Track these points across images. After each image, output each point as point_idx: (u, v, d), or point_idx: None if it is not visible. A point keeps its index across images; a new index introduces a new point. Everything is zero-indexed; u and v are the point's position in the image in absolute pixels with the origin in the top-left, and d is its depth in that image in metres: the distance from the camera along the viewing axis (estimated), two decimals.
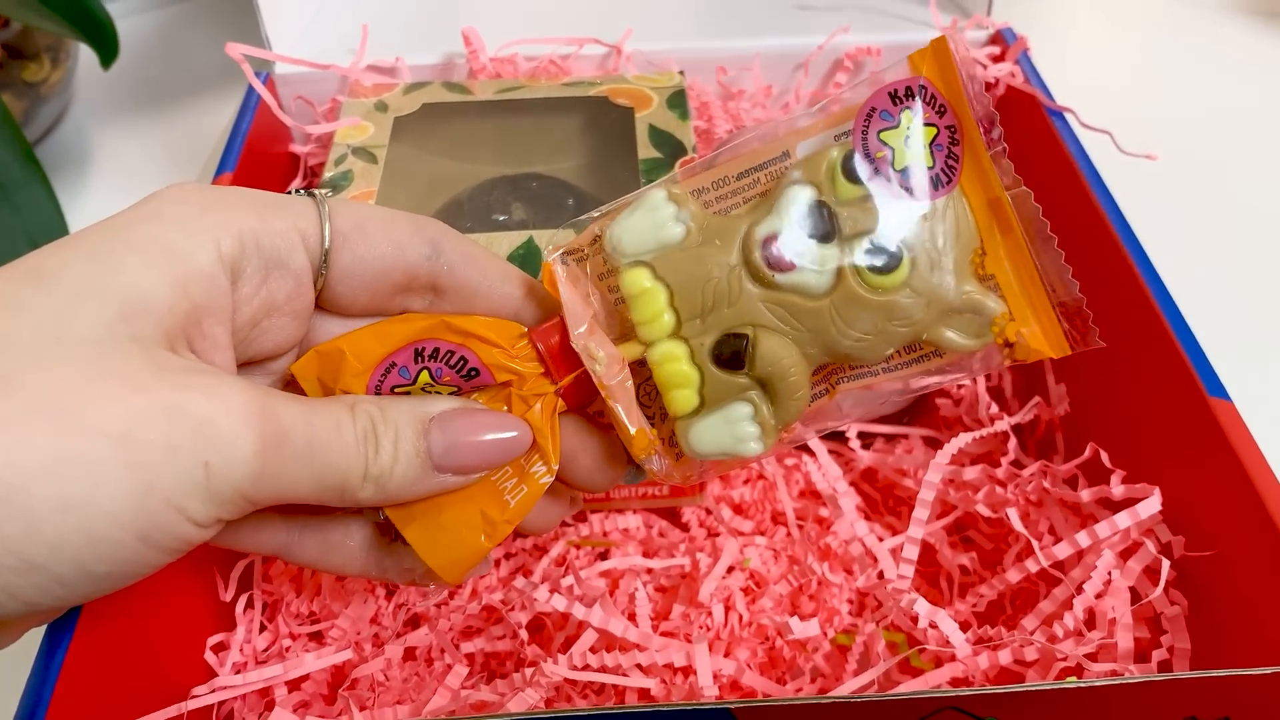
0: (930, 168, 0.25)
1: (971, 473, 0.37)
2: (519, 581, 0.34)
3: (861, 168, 0.25)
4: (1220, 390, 0.31)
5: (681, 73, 0.44)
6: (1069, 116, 0.43)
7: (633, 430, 0.26)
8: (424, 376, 0.26)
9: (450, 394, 0.26)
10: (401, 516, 0.26)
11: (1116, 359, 0.36)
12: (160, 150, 0.61)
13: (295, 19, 0.51)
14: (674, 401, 0.26)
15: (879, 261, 0.25)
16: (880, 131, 0.25)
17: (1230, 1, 0.70)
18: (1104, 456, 0.34)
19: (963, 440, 0.35)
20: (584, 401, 0.27)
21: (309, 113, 0.47)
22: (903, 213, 0.25)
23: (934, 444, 0.42)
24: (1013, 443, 0.38)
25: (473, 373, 0.26)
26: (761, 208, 0.26)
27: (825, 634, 0.36)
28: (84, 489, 0.19)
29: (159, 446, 0.20)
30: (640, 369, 0.26)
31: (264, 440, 0.21)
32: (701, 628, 0.35)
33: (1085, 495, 0.34)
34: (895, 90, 0.25)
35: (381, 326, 0.26)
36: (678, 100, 0.42)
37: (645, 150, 0.39)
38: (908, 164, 0.25)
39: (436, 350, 0.25)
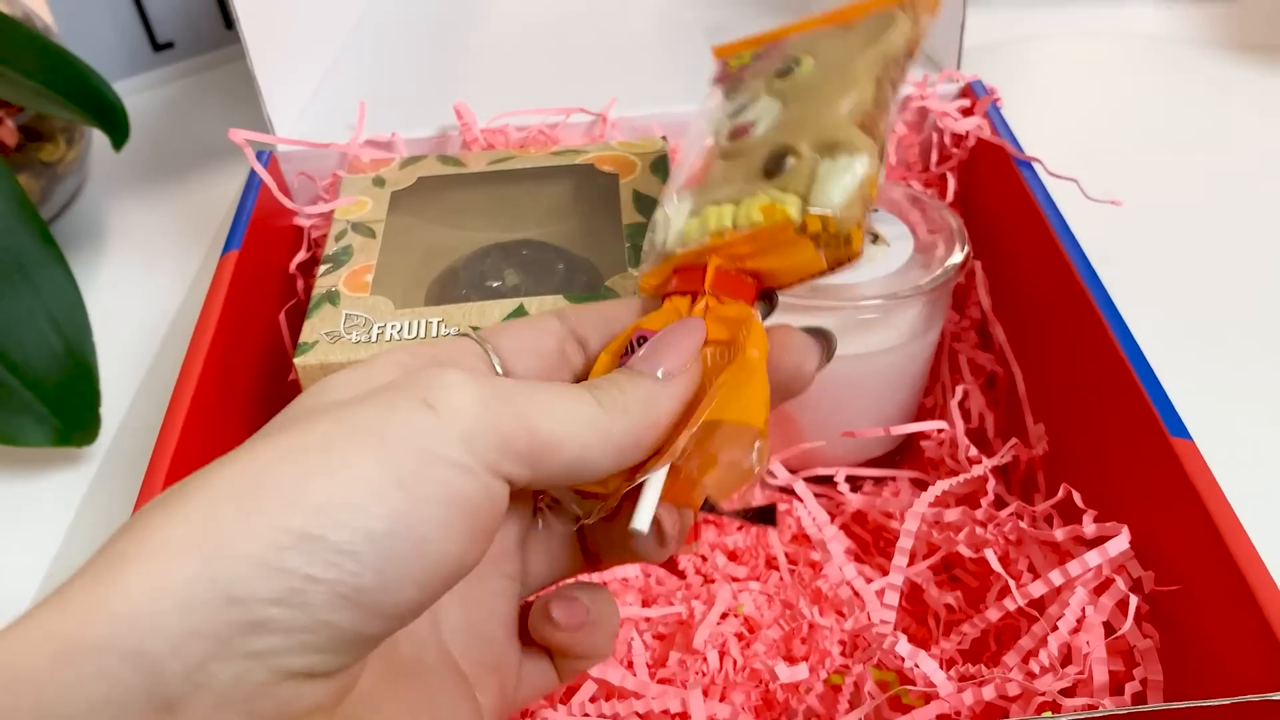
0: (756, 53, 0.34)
1: (953, 514, 0.38)
2: None
3: (730, 88, 0.34)
4: (1182, 430, 0.33)
5: (664, 138, 0.46)
6: (1036, 166, 0.44)
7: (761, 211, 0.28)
8: None
9: None
10: (683, 489, 0.26)
11: (1088, 401, 0.38)
12: (172, 223, 0.63)
13: (295, 98, 0.53)
14: (776, 212, 0.28)
15: (788, 70, 0.32)
16: (719, 72, 0.35)
17: (1203, 37, 0.71)
18: (1076, 496, 0.36)
19: (940, 487, 0.37)
20: (738, 284, 0.29)
21: (311, 187, 0.50)
22: (764, 65, 0.33)
23: (920, 485, 0.44)
24: (992, 484, 0.39)
25: (640, 340, 0.27)
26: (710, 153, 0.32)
27: (818, 675, 0.37)
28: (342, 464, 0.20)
29: (381, 406, 0.21)
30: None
31: (481, 385, 0.22)
32: (697, 674, 0.37)
33: (1060, 534, 0.35)
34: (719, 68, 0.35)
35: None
36: (660, 165, 0.44)
37: (629, 215, 0.41)
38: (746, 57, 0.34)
39: (629, 350, 0.27)
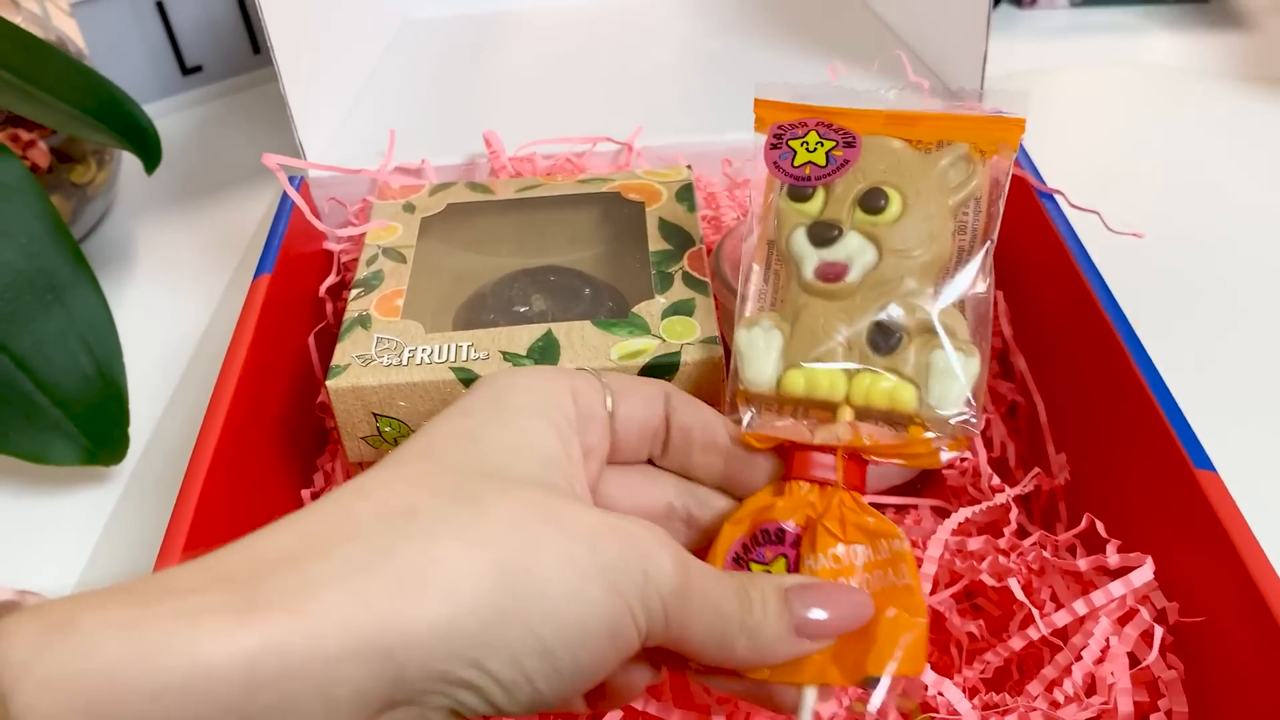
0: (833, 149, 0.33)
1: (976, 543, 0.38)
2: None
3: (796, 191, 0.33)
4: (1206, 462, 0.33)
5: (689, 166, 0.47)
6: (1058, 198, 0.45)
7: (906, 437, 0.31)
8: (756, 568, 0.30)
9: (783, 566, 0.30)
10: (831, 671, 0.28)
11: (1110, 431, 0.38)
12: (199, 244, 0.64)
13: (325, 124, 0.54)
14: (905, 403, 0.31)
15: (872, 206, 0.32)
16: (783, 159, 0.34)
17: (1222, 68, 0.72)
18: (1099, 526, 0.36)
19: (963, 514, 0.37)
20: (859, 477, 0.31)
21: (341, 212, 0.50)
22: (848, 180, 0.33)
23: (942, 513, 0.44)
24: (1014, 513, 0.39)
25: (780, 534, 0.30)
26: (789, 276, 0.33)
27: (841, 703, 0.37)
28: (579, 584, 0.23)
29: (614, 552, 0.24)
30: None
31: (678, 566, 0.25)
32: (720, 700, 0.37)
33: (1083, 564, 0.35)
34: (771, 138, 0.34)
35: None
36: (685, 194, 0.44)
37: (655, 243, 0.42)
38: (819, 159, 0.33)
39: (745, 546, 0.30)
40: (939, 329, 0.31)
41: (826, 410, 0.32)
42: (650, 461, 0.32)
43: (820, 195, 0.33)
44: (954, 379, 0.30)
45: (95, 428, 0.47)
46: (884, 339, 0.31)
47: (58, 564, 0.46)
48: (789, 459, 0.31)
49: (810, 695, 0.29)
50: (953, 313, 0.31)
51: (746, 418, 0.32)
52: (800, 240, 0.33)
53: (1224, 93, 0.70)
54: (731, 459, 0.32)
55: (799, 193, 0.33)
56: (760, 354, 0.32)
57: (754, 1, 0.68)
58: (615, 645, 0.24)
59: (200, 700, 0.19)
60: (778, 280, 0.34)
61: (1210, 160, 0.64)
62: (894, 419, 0.31)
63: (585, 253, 0.44)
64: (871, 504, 0.43)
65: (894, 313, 0.31)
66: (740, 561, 0.30)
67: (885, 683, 0.28)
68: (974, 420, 0.31)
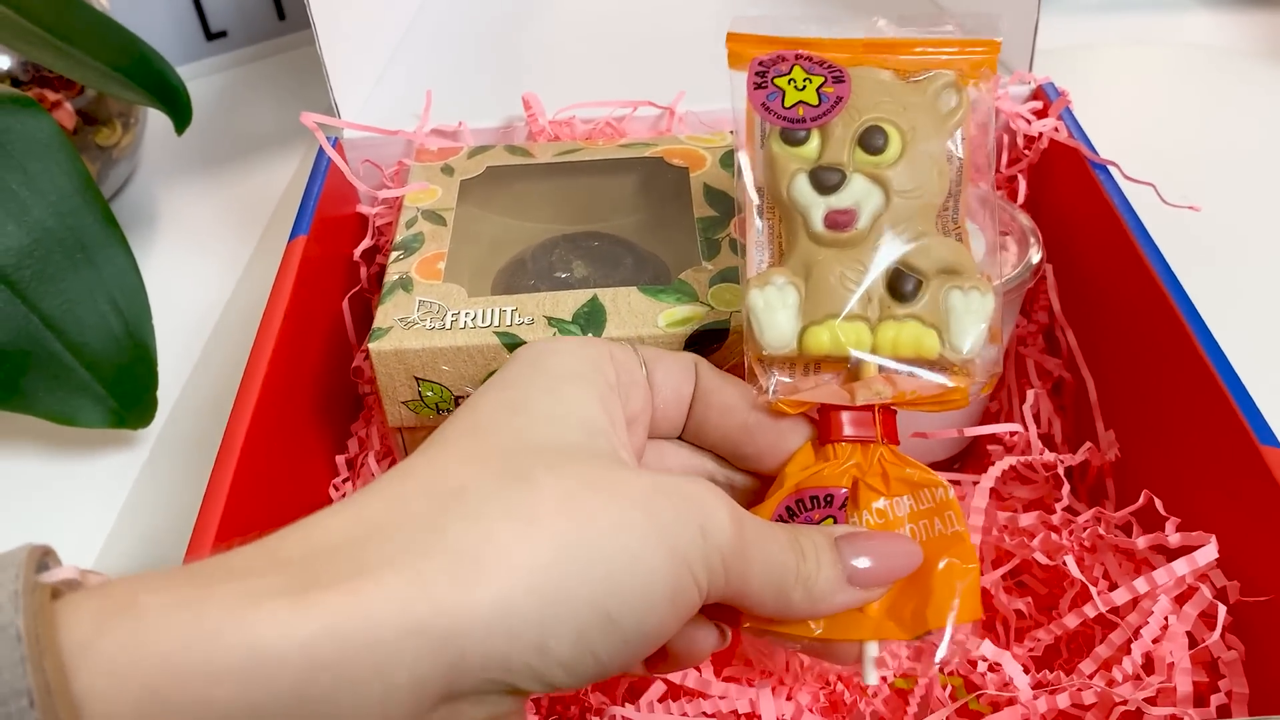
0: (822, 85, 0.31)
1: (1027, 519, 0.37)
2: None
3: (790, 134, 0.31)
4: (1271, 439, 0.32)
5: (733, 132, 0.46)
6: (1113, 170, 0.44)
7: (945, 386, 0.30)
8: None
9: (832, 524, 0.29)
10: (888, 627, 0.28)
11: (1166, 407, 0.37)
12: (223, 208, 0.63)
13: (360, 86, 0.53)
14: (929, 349, 0.30)
15: (873, 146, 0.30)
16: (772, 100, 0.31)
17: (1264, 47, 0.71)
18: (1158, 503, 0.35)
19: (999, 469, 0.36)
20: (895, 430, 0.31)
21: (375, 175, 0.49)
22: (843, 119, 0.31)
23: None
24: (1065, 489, 0.38)
25: (829, 498, 0.29)
26: (793, 225, 0.31)
27: (885, 679, 0.36)
28: (638, 549, 0.23)
29: (670, 513, 0.23)
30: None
31: (734, 520, 0.25)
32: (763, 673, 0.36)
33: (1141, 542, 0.35)
34: (754, 78, 0.32)
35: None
36: (731, 159, 0.43)
37: (701, 209, 0.41)
38: (810, 97, 0.31)
39: (789, 509, 0.29)
40: (955, 268, 0.30)
41: (842, 365, 0.30)
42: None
43: (815, 137, 0.31)
44: (974, 318, 0.30)
45: (124, 390, 0.47)
46: (904, 285, 0.30)
47: (84, 525, 0.45)
48: (826, 422, 0.30)
49: (872, 649, 0.28)
50: (958, 249, 0.30)
51: (772, 383, 0.31)
52: (803, 188, 0.30)
53: (1267, 72, 0.69)
54: (758, 429, 0.31)
55: (793, 136, 0.31)
56: (777, 314, 0.30)
57: None
58: (678, 607, 0.24)
59: (259, 684, 0.19)
60: (773, 232, 0.32)
61: (1255, 138, 0.63)
62: (918, 364, 0.30)
63: (627, 219, 0.44)
64: None
65: (911, 257, 0.30)
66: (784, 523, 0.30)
67: (948, 633, 0.27)
68: (997, 356, 0.31)
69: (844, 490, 0.29)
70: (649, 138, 0.46)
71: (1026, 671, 0.35)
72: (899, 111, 0.31)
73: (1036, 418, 0.44)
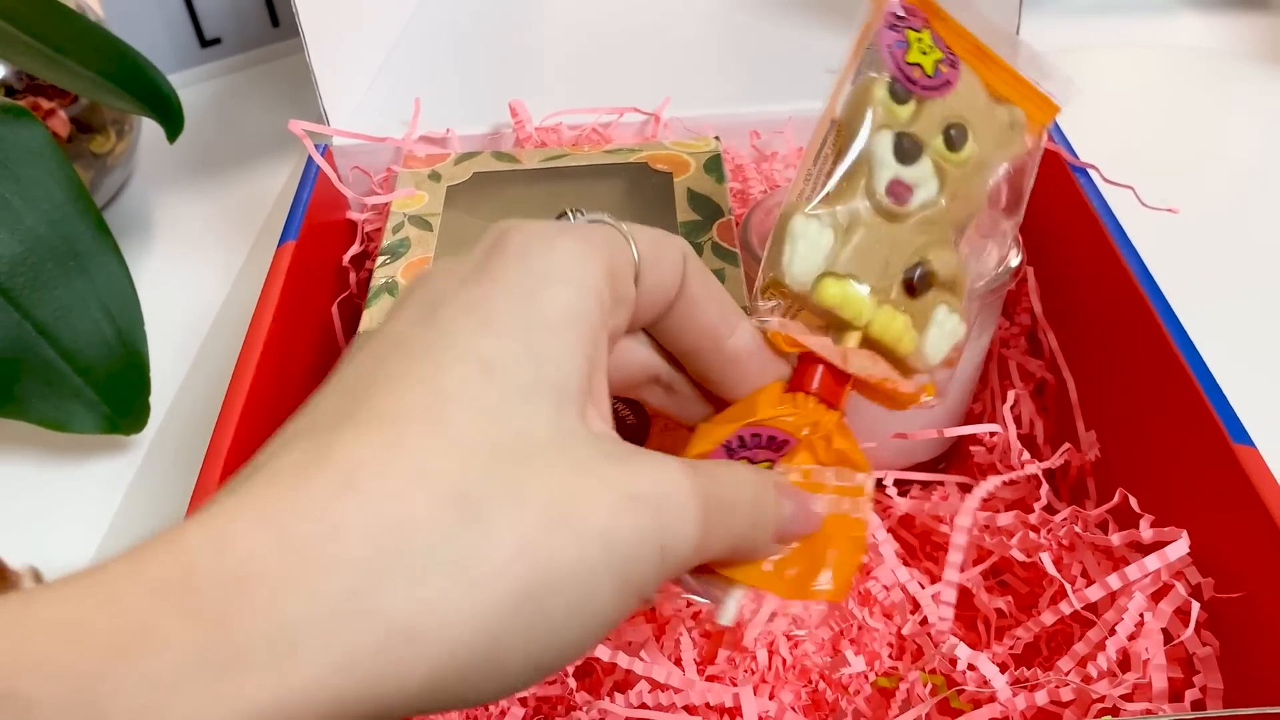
0: (940, 62, 0.31)
1: (1006, 518, 0.38)
2: None
3: (900, 90, 0.30)
4: (1244, 437, 0.33)
5: (717, 138, 0.46)
6: (1092, 173, 0.44)
7: (912, 379, 0.30)
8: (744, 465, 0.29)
9: (769, 468, 0.29)
10: (768, 577, 0.28)
11: (1144, 408, 0.38)
12: (217, 215, 0.64)
13: (349, 93, 0.53)
14: (902, 344, 0.30)
15: (955, 143, 0.30)
16: (898, 47, 0.31)
17: (1249, 50, 0.71)
18: (1133, 501, 0.36)
19: (993, 483, 0.36)
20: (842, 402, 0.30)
21: (365, 182, 0.50)
22: (942, 104, 0.30)
23: (968, 489, 0.43)
24: (1044, 488, 0.39)
25: (782, 443, 0.29)
26: (856, 174, 0.30)
27: (866, 677, 0.37)
28: (586, 594, 0.21)
29: (631, 542, 0.21)
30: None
31: (702, 516, 0.23)
32: (746, 671, 0.37)
33: (1116, 539, 0.35)
34: (892, 16, 0.31)
35: (693, 441, 0.29)
36: (714, 165, 0.44)
37: (684, 213, 0.41)
38: (928, 66, 0.31)
39: (742, 440, 0.29)
40: (955, 286, 0.30)
41: (834, 328, 0.30)
42: None
43: (914, 105, 0.30)
44: (948, 339, 0.30)
45: (116, 396, 0.47)
46: (920, 285, 0.30)
47: (76, 532, 0.46)
48: (806, 372, 0.29)
49: (738, 593, 0.28)
50: (962, 268, 0.31)
51: (770, 307, 0.30)
52: (885, 145, 0.30)
53: (1253, 74, 0.69)
54: (737, 353, 0.28)
55: (902, 93, 0.30)
56: (810, 248, 0.29)
57: None
58: (612, 629, 0.23)
59: None
60: (826, 164, 0.31)
61: (1240, 141, 0.63)
62: (885, 356, 0.30)
63: None
64: (898, 480, 0.43)
65: (940, 258, 0.30)
66: (732, 452, 0.29)
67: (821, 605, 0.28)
68: (945, 380, 0.31)
69: (795, 440, 0.29)
70: (634, 143, 0.46)
71: (1006, 669, 0.35)
72: (981, 122, 0.31)
73: (1019, 418, 0.45)
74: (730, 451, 0.29)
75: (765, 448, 0.29)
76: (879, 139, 0.30)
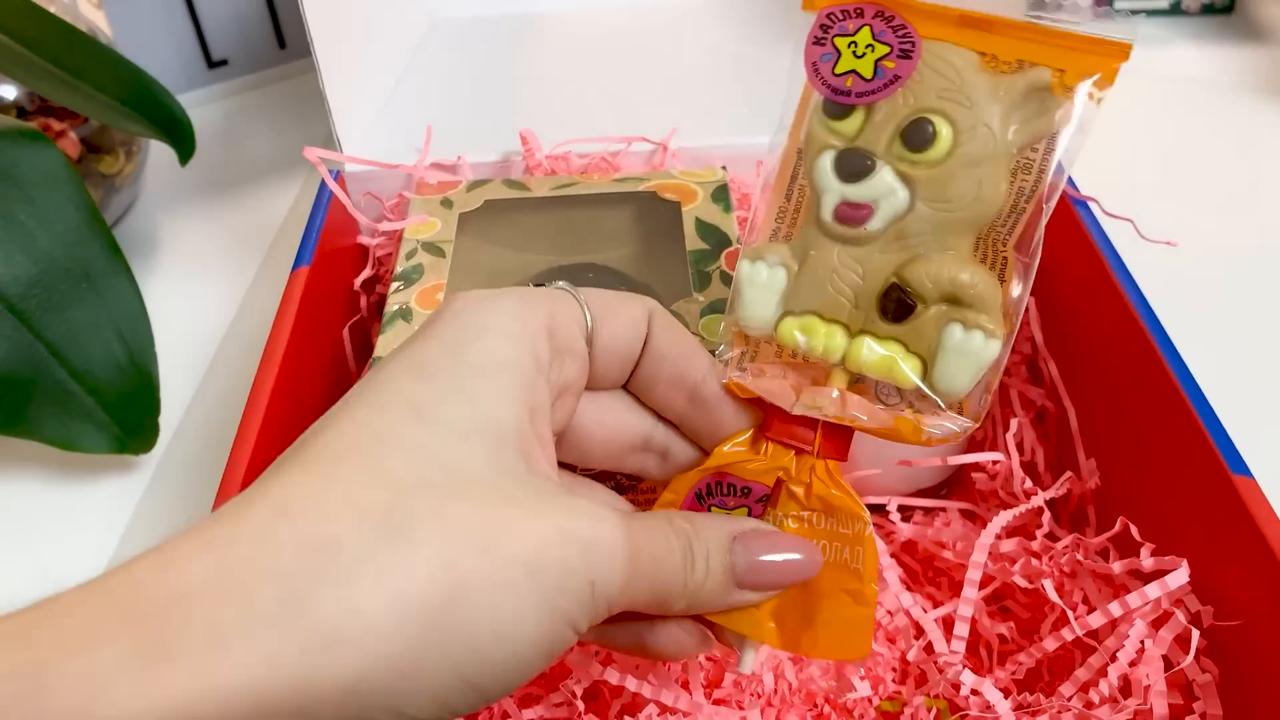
0: (884, 58, 0.27)
1: (1008, 545, 0.38)
2: (572, 655, 0.36)
3: (832, 106, 0.28)
4: (1243, 468, 0.33)
5: (724, 168, 0.47)
6: (1092, 205, 0.45)
7: (893, 422, 0.28)
8: (715, 512, 0.29)
9: (744, 515, 0.29)
10: (770, 632, 0.28)
11: (1143, 437, 0.38)
12: (225, 236, 0.64)
13: (361, 119, 0.54)
14: (902, 377, 0.28)
15: (917, 142, 0.27)
16: (824, 61, 0.28)
17: (1246, 81, 0.72)
18: (1133, 530, 0.36)
19: (1005, 518, 0.37)
20: (841, 444, 0.29)
21: (376, 207, 0.51)
22: (895, 103, 0.27)
23: (970, 516, 0.44)
24: (1046, 516, 0.40)
25: (746, 490, 0.28)
26: (806, 205, 0.29)
27: (871, 701, 0.37)
28: (511, 616, 0.22)
29: (560, 570, 0.22)
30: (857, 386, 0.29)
31: (630, 558, 0.24)
32: (753, 695, 0.37)
33: (1117, 567, 0.36)
34: (818, 29, 0.28)
35: (664, 493, 0.29)
36: (721, 194, 0.45)
37: (693, 243, 0.42)
38: (864, 68, 0.28)
39: (709, 487, 0.29)
40: (966, 298, 0.27)
41: (821, 368, 0.29)
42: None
43: (860, 114, 0.28)
44: (967, 362, 0.27)
45: (127, 416, 0.48)
46: (896, 306, 0.27)
47: (86, 551, 0.46)
48: (768, 416, 0.29)
49: (752, 650, 0.28)
50: (988, 280, 0.27)
51: (733, 356, 0.29)
52: (825, 169, 0.28)
53: (1249, 105, 0.70)
54: (705, 401, 0.29)
55: (834, 108, 0.28)
56: (760, 292, 0.28)
57: (786, 6, 0.68)
58: (550, 656, 0.23)
59: None
60: (802, 198, 0.29)
61: (1238, 173, 0.64)
62: (890, 391, 0.29)
63: (621, 251, 0.45)
64: (901, 506, 0.44)
65: (914, 275, 0.27)
66: (701, 500, 0.29)
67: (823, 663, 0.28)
68: (979, 411, 0.28)
69: (762, 487, 0.29)
70: (643, 172, 0.47)
71: (1008, 695, 0.36)
72: (963, 103, 0.27)
73: (1020, 446, 0.45)
74: (700, 500, 0.29)
75: (735, 495, 0.29)
76: (819, 163, 0.28)
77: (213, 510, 0.33)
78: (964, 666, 0.33)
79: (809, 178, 0.28)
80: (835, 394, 0.28)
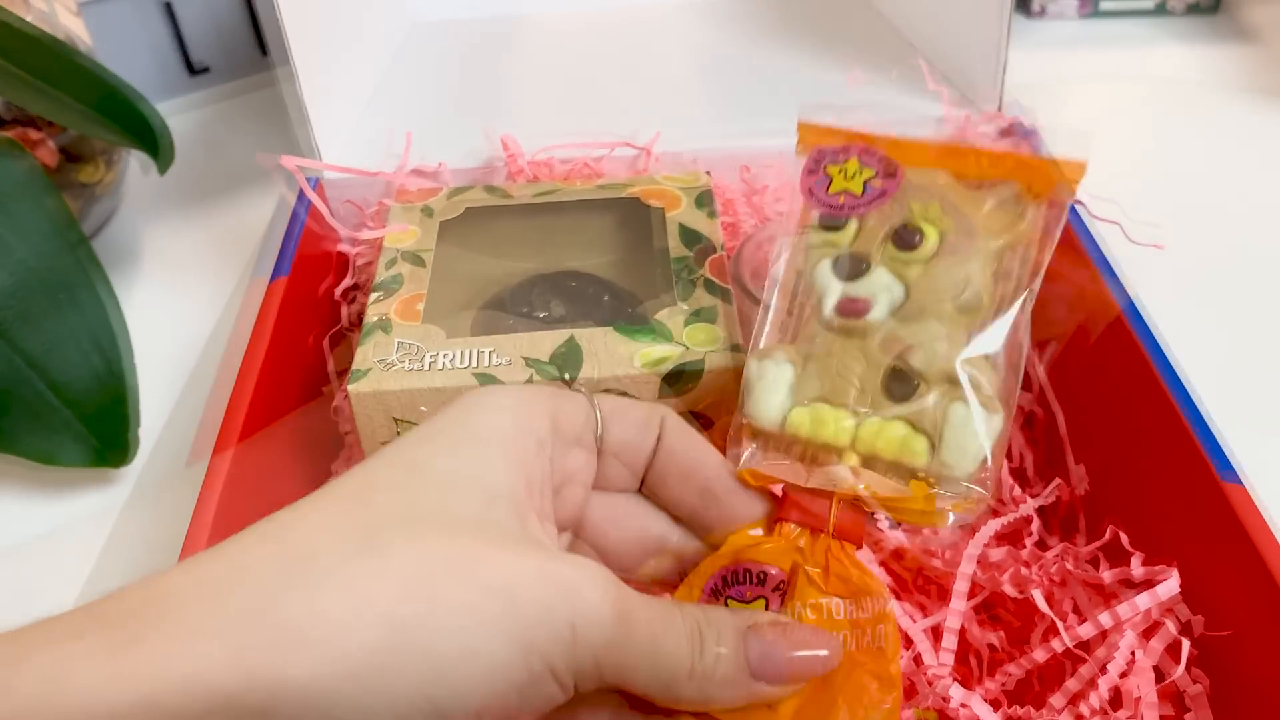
0: (871, 178, 0.32)
1: (997, 554, 0.38)
2: None
3: (828, 220, 0.32)
4: (1232, 474, 0.33)
5: (708, 173, 0.46)
6: (1079, 208, 0.45)
7: (908, 487, 0.29)
8: (732, 605, 0.29)
9: (762, 607, 0.28)
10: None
11: (1132, 443, 0.38)
12: (205, 245, 0.64)
13: (340, 126, 0.53)
14: (914, 455, 0.29)
15: (906, 243, 0.31)
16: (818, 185, 0.32)
17: (1232, 81, 0.72)
18: (1123, 538, 0.36)
19: (994, 526, 0.37)
20: (856, 528, 0.30)
21: (355, 215, 0.50)
22: (884, 213, 0.31)
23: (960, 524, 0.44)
24: (1036, 524, 0.39)
25: (762, 576, 0.29)
26: (809, 308, 0.32)
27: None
28: (479, 642, 0.22)
29: (538, 605, 0.22)
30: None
31: (617, 614, 0.23)
32: None
33: (1107, 576, 0.35)
34: (811, 162, 0.33)
35: (678, 591, 0.29)
36: (705, 199, 0.44)
37: (676, 248, 0.42)
38: (855, 187, 0.32)
39: (725, 579, 0.29)
40: (963, 380, 0.29)
41: (834, 454, 0.30)
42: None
43: (853, 226, 0.31)
44: (972, 435, 0.28)
45: (104, 428, 0.47)
46: (899, 385, 0.29)
47: (64, 565, 0.45)
48: (781, 499, 0.30)
49: None
50: (981, 364, 0.29)
51: (747, 452, 0.30)
52: (825, 272, 0.31)
53: (1234, 105, 0.70)
54: (716, 496, 0.30)
55: (831, 222, 0.32)
56: (769, 388, 0.30)
57: (768, 9, 0.68)
58: (529, 699, 0.23)
59: None
60: (802, 314, 0.32)
61: (1225, 173, 0.64)
62: (902, 472, 0.29)
63: (604, 258, 0.44)
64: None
65: (914, 358, 0.29)
66: (718, 594, 0.29)
67: None
68: (989, 482, 0.29)
69: (779, 571, 0.29)
70: (626, 178, 0.47)
71: (998, 707, 0.35)
72: (945, 213, 0.31)
73: (1009, 453, 0.45)
74: (716, 595, 0.29)
75: (752, 584, 0.29)
76: (819, 269, 0.31)
77: (190, 526, 0.33)
78: (953, 679, 0.33)
79: (810, 284, 0.31)
80: (848, 469, 0.29)
